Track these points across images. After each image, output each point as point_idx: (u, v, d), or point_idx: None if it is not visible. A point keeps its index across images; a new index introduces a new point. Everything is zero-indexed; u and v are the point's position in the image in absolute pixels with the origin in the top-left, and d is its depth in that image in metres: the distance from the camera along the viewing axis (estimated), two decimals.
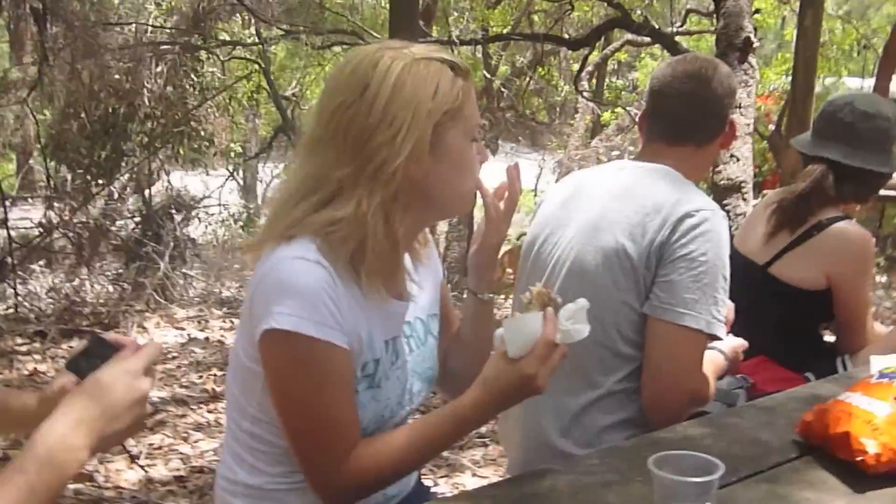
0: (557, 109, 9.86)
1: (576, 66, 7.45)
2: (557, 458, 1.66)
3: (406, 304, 1.40)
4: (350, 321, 1.25)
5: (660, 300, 1.60)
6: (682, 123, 1.78)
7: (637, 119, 1.89)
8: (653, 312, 1.61)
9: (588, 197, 1.78)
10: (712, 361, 1.77)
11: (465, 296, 1.52)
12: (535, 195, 13.36)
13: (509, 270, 4.11)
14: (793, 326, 2.19)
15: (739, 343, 1.89)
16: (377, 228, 1.24)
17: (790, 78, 5.37)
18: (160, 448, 3.47)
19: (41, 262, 6.42)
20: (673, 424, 1.61)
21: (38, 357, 4.52)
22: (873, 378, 1.33)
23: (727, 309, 1.88)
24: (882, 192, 4.44)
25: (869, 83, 7.86)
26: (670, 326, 1.58)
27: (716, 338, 1.63)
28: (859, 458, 1.19)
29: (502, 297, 4.43)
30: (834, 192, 2.11)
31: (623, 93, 9.75)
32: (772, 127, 8.47)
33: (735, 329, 1.99)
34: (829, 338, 2.34)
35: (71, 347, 4.71)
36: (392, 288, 1.36)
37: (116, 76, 6.36)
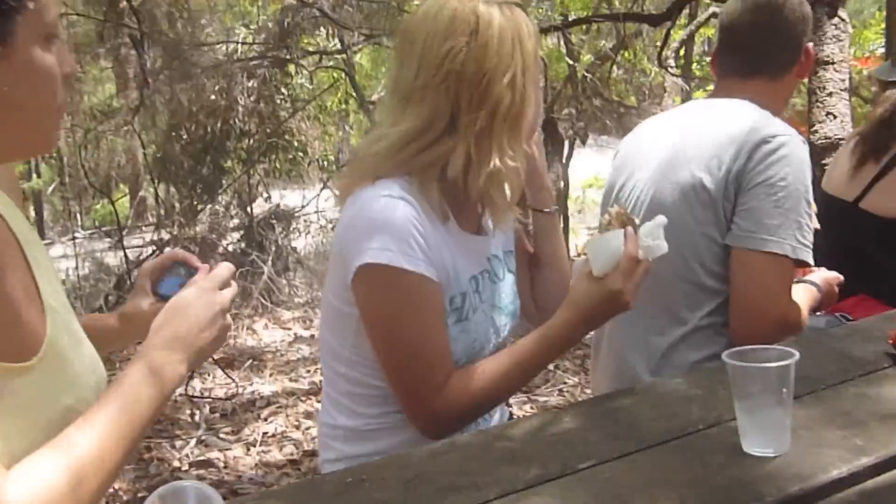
0: (646, 92, 9.68)
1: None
2: None
3: (487, 239, 1.45)
4: (437, 255, 1.30)
5: (741, 229, 1.58)
6: (754, 55, 1.75)
7: (710, 58, 1.87)
8: (735, 242, 1.59)
9: (662, 136, 1.78)
10: (804, 292, 1.74)
11: (530, 218, 1.55)
12: None
13: None
14: (891, 262, 2.10)
15: (833, 276, 1.84)
16: (481, 164, 1.30)
17: None
18: (274, 436, 3.63)
19: None
20: None
21: None
22: None
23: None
24: None
25: None
26: (754, 254, 1.56)
27: (803, 263, 1.59)
28: None
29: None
30: None
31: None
32: (874, 89, 8.09)
33: (830, 269, 1.94)
34: None
35: None
36: (474, 223, 1.43)
37: (212, 96, 6.68)
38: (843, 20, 4.79)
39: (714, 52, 1.85)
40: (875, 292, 2.08)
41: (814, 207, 1.63)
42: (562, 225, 9.73)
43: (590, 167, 14.87)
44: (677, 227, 1.64)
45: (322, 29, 7.43)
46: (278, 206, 7.69)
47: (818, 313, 1.90)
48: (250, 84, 6.15)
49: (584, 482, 0.95)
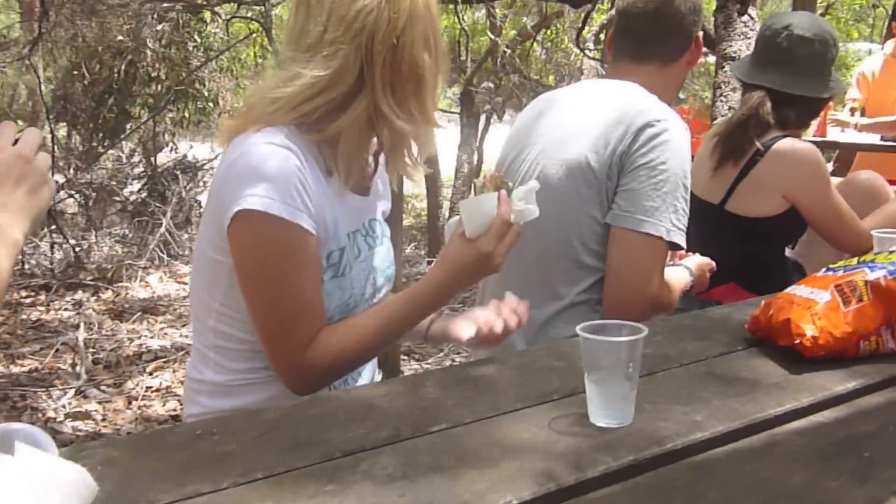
0: (564, 73, 9.81)
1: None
2: None
3: (368, 200, 1.45)
4: (318, 208, 1.29)
5: (620, 208, 1.63)
6: (646, 41, 1.80)
7: (606, 40, 1.90)
8: (613, 221, 1.64)
9: (554, 114, 1.81)
10: (677, 274, 1.80)
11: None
12: None
13: None
14: (757, 256, 2.20)
15: (706, 261, 1.92)
16: (372, 125, 1.31)
17: None
18: (158, 390, 3.55)
19: (51, 224, 6.52)
20: None
21: (42, 308, 4.59)
22: (819, 272, 1.35)
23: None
24: (888, 143, 4.41)
25: (878, 47, 7.75)
26: (630, 233, 1.61)
27: (676, 246, 1.65)
28: (797, 342, 1.22)
29: None
30: (773, 118, 2.11)
31: None
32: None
33: None
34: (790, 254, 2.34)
35: (75, 300, 4.79)
36: (357, 183, 1.42)
37: (118, 36, 6.40)
38: (752, 18, 4.93)
39: (609, 35, 1.89)
40: (742, 282, 2.17)
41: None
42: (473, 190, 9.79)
43: (504, 137, 15.06)
44: (561, 204, 1.68)
45: None
46: (185, 156, 7.47)
47: (691, 296, 1.97)
48: (160, 27, 5.90)
49: (433, 445, 0.96)
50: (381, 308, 1.36)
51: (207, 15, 6.86)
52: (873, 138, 4.67)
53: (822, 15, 8.24)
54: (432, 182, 8.03)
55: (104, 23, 5.59)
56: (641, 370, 1.01)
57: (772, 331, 1.29)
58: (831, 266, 1.36)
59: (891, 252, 1.32)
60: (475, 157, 9.22)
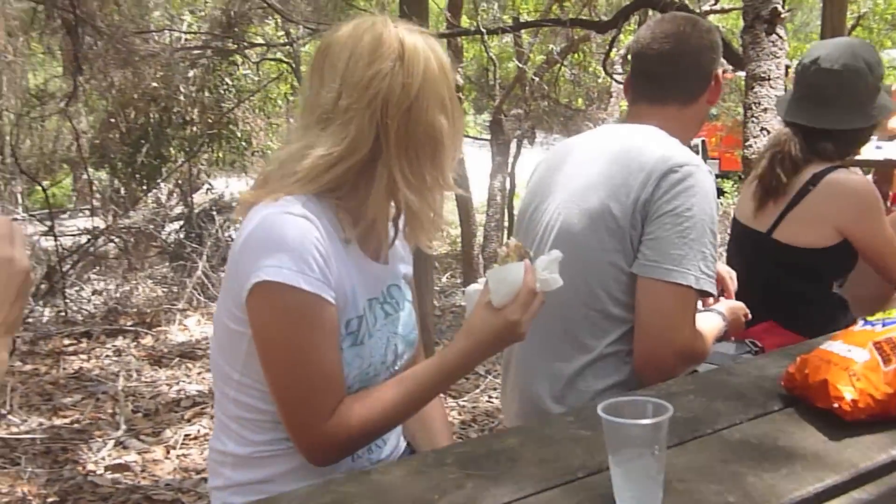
0: (594, 96, 9.75)
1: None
2: None
3: (387, 267, 1.43)
4: (336, 277, 1.28)
5: (647, 258, 1.58)
6: (663, 83, 1.76)
7: (623, 83, 1.87)
8: (640, 271, 1.59)
9: (573, 162, 1.77)
10: (709, 320, 1.75)
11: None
12: None
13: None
14: (803, 290, 2.14)
15: (739, 305, 1.86)
16: (399, 188, 1.30)
17: None
18: (196, 438, 3.55)
19: (93, 269, 6.64)
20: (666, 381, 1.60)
21: (83, 356, 4.65)
22: (857, 326, 1.29)
23: (726, 273, 1.85)
24: None
25: None
26: (658, 284, 1.56)
27: (706, 293, 1.60)
28: (836, 406, 1.16)
29: None
30: (802, 152, 2.07)
31: None
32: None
33: (742, 297, 1.97)
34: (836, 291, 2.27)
35: (115, 346, 4.85)
36: (376, 250, 1.42)
37: (153, 84, 6.53)
38: (780, 37, 4.86)
39: (626, 79, 1.86)
40: (784, 320, 2.11)
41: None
42: (507, 223, 9.77)
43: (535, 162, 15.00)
44: (585, 253, 1.65)
45: (269, 19, 7.32)
46: (221, 196, 7.57)
47: (726, 340, 1.91)
48: (192, 73, 6.01)
49: None
50: (406, 378, 1.34)
51: (238, 57, 6.97)
52: None
53: (854, 27, 8.09)
54: (465, 210, 8.02)
55: (137, 71, 5.70)
56: (672, 438, 0.98)
57: (808, 391, 1.23)
58: (869, 319, 1.30)
59: None
60: (507, 183, 9.20)
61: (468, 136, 10.84)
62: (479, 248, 8.03)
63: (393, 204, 1.37)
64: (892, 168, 4.57)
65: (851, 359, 1.19)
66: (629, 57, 1.86)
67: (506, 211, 9.51)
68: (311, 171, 1.28)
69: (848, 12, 5.29)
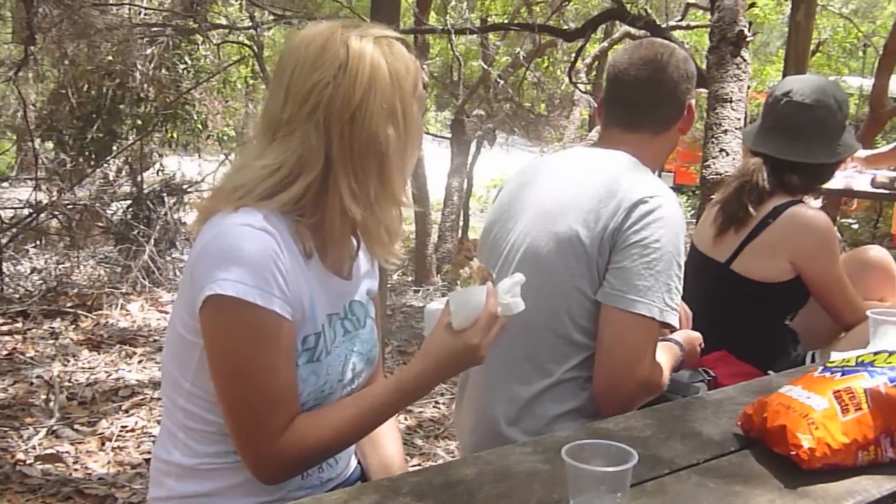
0: (556, 101, 9.79)
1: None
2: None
3: (349, 283, 1.40)
4: (295, 292, 1.24)
5: (612, 287, 1.57)
6: (638, 110, 1.75)
7: (597, 105, 1.86)
8: (605, 299, 1.58)
9: (543, 184, 1.75)
10: (667, 352, 1.75)
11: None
12: None
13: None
14: (756, 322, 2.16)
15: (695, 336, 1.87)
16: (346, 202, 1.25)
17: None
18: (133, 430, 3.45)
19: (33, 245, 6.42)
20: (623, 412, 1.59)
21: (18, 337, 4.49)
22: (816, 372, 1.30)
23: (683, 312, 1.86)
24: (878, 190, 4.41)
25: (870, 82, 7.79)
26: (622, 313, 1.55)
27: (669, 326, 1.59)
28: (794, 453, 1.16)
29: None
30: (769, 184, 2.09)
31: None
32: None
33: (696, 326, 1.98)
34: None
35: (53, 329, 4.70)
36: (338, 264, 1.38)
37: (109, 57, 6.33)
38: (744, 60, 4.93)
39: (600, 102, 1.85)
40: (736, 350, 2.12)
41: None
42: (462, 223, 9.76)
43: (496, 167, 15.02)
44: (550, 278, 1.63)
45: (233, 1, 7.18)
46: (172, 177, 7.39)
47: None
48: (150, 51, 5.85)
49: None
50: (362, 397, 1.31)
51: (199, 38, 6.80)
52: (864, 180, 4.66)
53: (814, 52, 8.26)
54: (420, 215, 7.97)
55: (93, 44, 5.52)
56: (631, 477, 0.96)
57: (766, 434, 1.23)
58: (828, 365, 1.30)
59: (890, 355, 1.26)
60: (465, 184, 9.19)
61: (428, 134, 10.80)
62: (433, 247, 8.00)
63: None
64: (850, 197, 4.67)
65: (811, 406, 1.19)
66: (604, 80, 1.84)
67: (462, 211, 9.50)
68: (259, 184, 1.24)
69: None
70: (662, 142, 1.79)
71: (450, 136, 9.07)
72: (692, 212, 9.31)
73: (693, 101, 1.82)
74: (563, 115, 8.73)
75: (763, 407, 1.26)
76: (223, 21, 7.24)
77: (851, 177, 4.54)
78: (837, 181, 4.42)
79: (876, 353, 1.29)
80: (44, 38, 5.01)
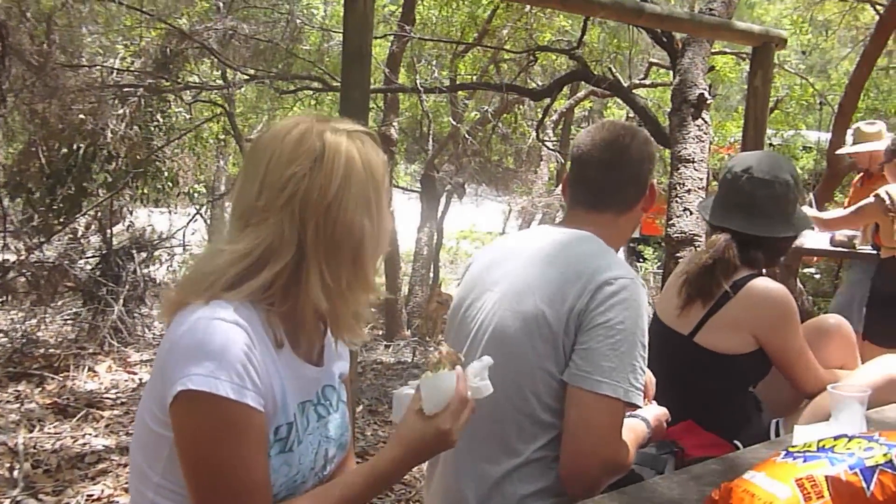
0: (524, 156, 9.96)
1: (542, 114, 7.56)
2: None
3: (321, 369, 1.42)
4: (266, 382, 1.25)
5: (578, 367, 1.61)
6: (602, 192, 1.81)
7: (562, 183, 1.92)
8: (571, 380, 1.61)
9: (512, 262, 1.80)
10: (633, 430, 1.78)
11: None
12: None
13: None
14: (721, 393, 2.20)
15: (662, 412, 1.90)
16: (316, 292, 1.28)
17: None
18: (99, 500, 3.39)
19: None
20: (590, 493, 1.62)
21: None
22: (779, 457, 1.34)
23: (647, 379, 1.90)
24: (836, 249, 4.52)
25: (826, 136, 8.03)
26: (587, 394, 1.58)
27: (634, 406, 1.63)
28: None
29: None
30: (739, 260, 2.15)
31: None
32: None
33: (661, 396, 2.01)
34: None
35: (17, 392, 4.62)
36: (309, 351, 1.40)
37: (80, 116, 6.34)
38: (705, 122, 5.09)
39: (564, 181, 1.91)
40: (702, 420, 2.16)
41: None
42: (433, 275, 9.80)
43: (465, 218, 15.16)
44: (517, 357, 1.67)
45: (205, 58, 7.24)
46: (141, 233, 7.36)
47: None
48: (122, 111, 5.87)
49: None
50: (336, 486, 1.32)
51: (171, 96, 6.85)
52: (823, 238, 4.80)
53: (772, 110, 8.50)
54: (392, 262, 8.02)
55: (64, 105, 5.54)
56: None
57: None
58: (790, 449, 1.34)
59: (850, 440, 1.31)
60: (435, 238, 9.26)
61: (398, 187, 10.89)
62: (402, 301, 8.02)
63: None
64: (811, 255, 4.79)
65: (774, 495, 1.23)
66: (570, 160, 1.90)
67: (432, 264, 9.56)
68: (228, 270, 1.26)
69: None
70: (626, 221, 1.85)
71: (419, 190, 9.17)
72: (658, 264, 9.45)
73: (654, 181, 1.88)
74: (532, 169, 8.87)
75: (728, 494, 1.29)
76: (195, 79, 7.30)
77: (811, 236, 4.68)
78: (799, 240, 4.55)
79: (836, 438, 1.33)
80: (15, 98, 5.01)
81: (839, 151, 5.82)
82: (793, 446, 1.35)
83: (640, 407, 1.65)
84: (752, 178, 2.19)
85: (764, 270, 2.22)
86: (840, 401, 1.77)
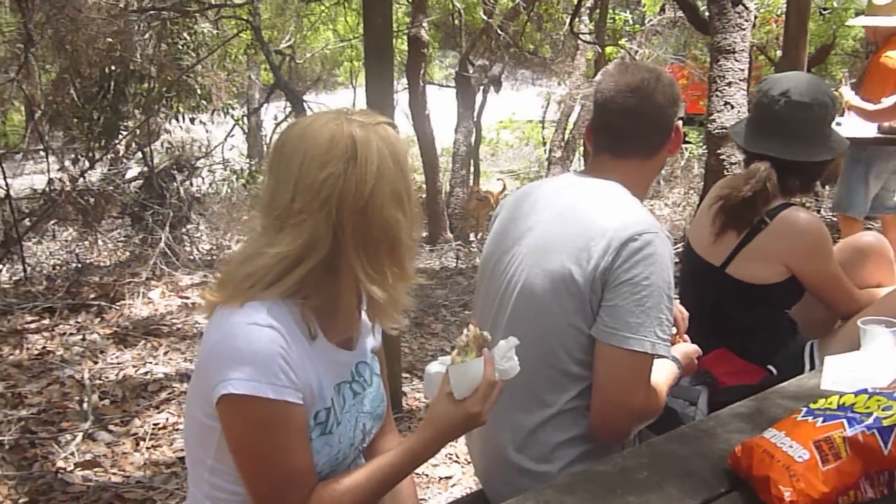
0: (560, 44, 9.66)
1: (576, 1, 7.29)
2: (514, 471, 1.75)
3: (354, 352, 1.47)
4: (302, 376, 1.32)
5: (605, 324, 1.63)
6: (627, 138, 1.78)
7: (585, 129, 1.88)
8: (598, 336, 1.64)
9: (537, 216, 1.80)
10: (664, 371, 1.81)
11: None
12: (543, 127, 13.23)
13: None
14: (755, 321, 2.21)
15: (693, 349, 1.93)
16: (357, 283, 1.33)
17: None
18: (164, 427, 3.59)
19: (49, 234, 6.54)
20: (621, 440, 1.68)
21: (46, 335, 4.64)
22: (800, 414, 1.36)
23: (679, 315, 1.91)
24: (887, 135, 4.39)
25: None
26: (615, 350, 1.62)
27: (661, 356, 1.66)
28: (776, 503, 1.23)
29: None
30: (779, 189, 2.11)
31: (626, 26, 9.51)
32: (779, 54, 8.27)
33: (694, 325, 2.03)
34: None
35: (79, 323, 4.83)
36: (343, 335, 1.46)
37: (108, 40, 6.32)
38: (746, 8, 4.86)
39: (588, 127, 1.87)
40: (735, 348, 2.18)
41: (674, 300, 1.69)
42: (474, 171, 9.76)
43: (505, 106, 14.84)
44: (545, 314, 1.70)
45: None
46: (181, 152, 7.44)
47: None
48: (147, 35, 5.83)
49: None
50: (374, 468, 1.40)
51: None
52: (867, 126, 4.64)
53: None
54: (430, 167, 8.00)
55: (91, 33, 5.52)
56: None
57: (752, 480, 1.31)
58: (812, 406, 1.37)
59: (870, 397, 1.32)
60: (473, 135, 9.17)
61: (433, 83, 10.71)
62: (443, 202, 8.03)
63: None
64: (858, 144, 4.65)
65: (792, 457, 1.26)
66: (593, 105, 1.86)
67: (472, 162, 9.50)
68: (269, 271, 1.30)
69: None
70: (652, 166, 1.83)
71: (454, 86, 9.01)
72: (703, 147, 9.22)
73: (680, 123, 1.84)
74: (568, 61, 8.62)
75: (749, 452, 1.33)
76: None
77: (855, 124, 4.54)
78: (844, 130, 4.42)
79: (857, 395, 1.35)
80: (41, 35, 5.01)
81: (849, 22, 5.58)
82: (815, 404, 1.37)
83: (666, 357, 1.68)
84: (790, 102, 2.12)
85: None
86: (869, 333, 1.77)
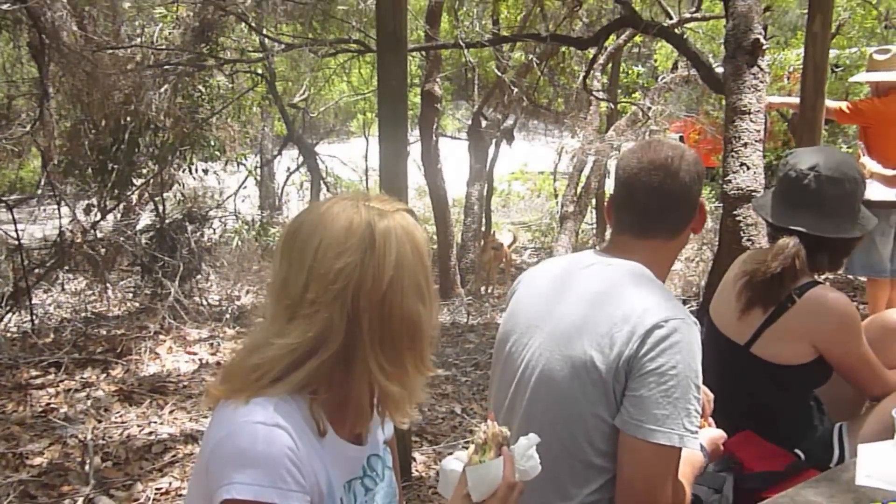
0: (573, 98, 9.68)
1: (589, 57, 7.31)
2: None
3: (365, 447, 1.40)
4: (310, 476, 1.24)
5: (630, 415, 1.55)
6: (651, 217, 1.73)
7: (606, 204, 1.82)
8: (623, 427, 1.56)
9: (558, 298, 1.74)
10: (690, 462, 1.73)
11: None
12: (555, 179, 13.22)
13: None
14: (781, 403, 2.13)
15: (719, 434, 1.85)
16: (372, 378, 1.26)
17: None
18: (167, 493, 3.49)
19: (58, 284, 6.51)
20: None
21: (51, 390, 4.56)
22: None
23: (704, 397, 1.83)
24: None
25: None
26: (641, 443, 1.54)
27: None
28: None
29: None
30: (808, 265, 2.04)
31: (640, 79, 9.54)
32: (791, 112, 8.25)
33: (719, 405, 1.95)
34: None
35: (84, 379, 4.76)
36: (354, 430, 1.38)
37: (125, 92, 6.36)
38: (761, 69, 4.84)
39: (609, 203, 1.81)
40: (760, 430, 2.09)
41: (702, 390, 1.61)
42: (485, 223, 9.72)
43: (516, 158, 14.88)
44: (566, 402, 1.62)
45: (243, 27, 7.17)
46: (193, 202, 7.45)
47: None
48: (163, 89, 5.87)
49: None
50: None
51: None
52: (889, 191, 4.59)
53: (834, 35, 8.06)
54: (442, 220, 7.95)
55: (106, 87, 5.55)
56: None
57: None
58: None
59: None
60: (485, 188, 9.14)
61: (444, 136, 10.74)
62: (454, 259, 7.96)
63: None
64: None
65: None
66: (615, 182, 1.81)
67: (483, 215, 9.46)
68: (278, 364, 1.23)
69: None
70: (675, 245, 1.77)
71: (467, 139, 9.01)
72: (715, 202, 9.18)
73: (704, 199, 1.78)
74: (582, 115, 8.62)
75: None
76: (232, 44, 7.24)
77: (876, 188, 4.49)
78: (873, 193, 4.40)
79: None
80: (57, 90, 5.03)
81: (853, 79, 5.69)
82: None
83: (694, 448, 1.59)
84: (820, 177, 2.05)
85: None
86: None
